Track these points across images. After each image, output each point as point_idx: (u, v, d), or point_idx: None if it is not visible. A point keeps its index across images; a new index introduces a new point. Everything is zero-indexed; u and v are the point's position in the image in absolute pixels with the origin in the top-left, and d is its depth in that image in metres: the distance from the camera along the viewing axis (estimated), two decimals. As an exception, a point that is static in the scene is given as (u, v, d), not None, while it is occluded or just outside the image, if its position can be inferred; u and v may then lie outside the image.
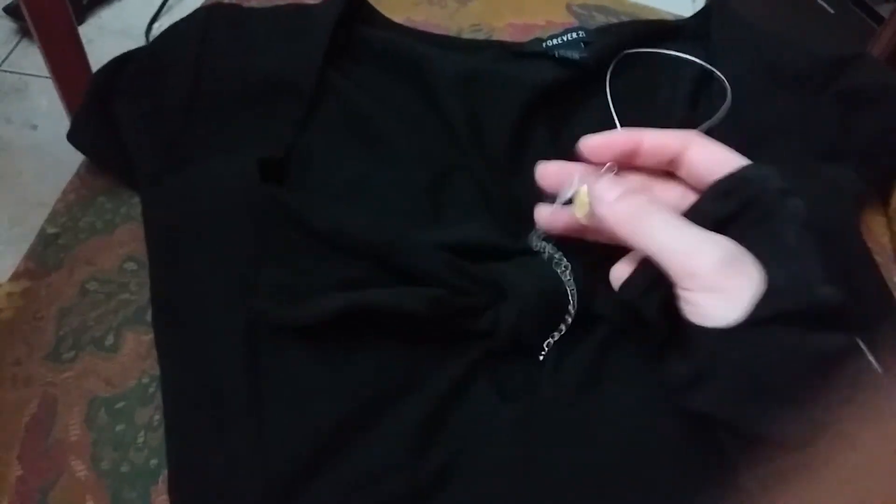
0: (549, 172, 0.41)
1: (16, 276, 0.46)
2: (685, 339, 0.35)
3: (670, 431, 0.39)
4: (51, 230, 0.48)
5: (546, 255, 0.43)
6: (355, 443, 0.38)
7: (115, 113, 0.49)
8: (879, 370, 0.33)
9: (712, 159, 0.37)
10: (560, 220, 0.41)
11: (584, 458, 0.40)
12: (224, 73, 0.51)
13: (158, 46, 0.52)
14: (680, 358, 0.35)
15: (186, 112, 0.49)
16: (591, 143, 0.39)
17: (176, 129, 0.48)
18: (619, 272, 0.40)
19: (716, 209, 0.35)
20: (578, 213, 0.39)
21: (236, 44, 0.52)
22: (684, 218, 0.35)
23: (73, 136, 0.50)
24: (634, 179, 0.40)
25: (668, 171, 0.40)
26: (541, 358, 0.42)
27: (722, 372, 0.33)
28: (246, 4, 0.57)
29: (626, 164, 0.40)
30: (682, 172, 0.39)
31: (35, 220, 1.17)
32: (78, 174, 0.51)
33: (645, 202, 0.36)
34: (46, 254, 0.47)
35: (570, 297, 0.42)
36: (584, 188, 0.39)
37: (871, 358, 0.33)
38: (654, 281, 0.37)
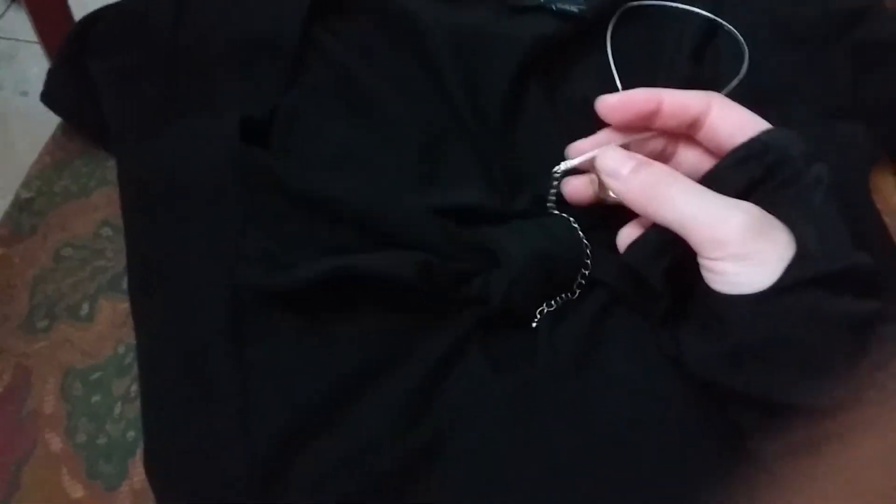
0: (580, 150, 0.40)
1: (-10, 243, 0.44)
2: (713, 319, 0.33)
3: (672, 400, 0.38)
4: (25, 195, 0.46)
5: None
6: (343, 417, 0.37)
7: (90, 72, 0.46)
8: None
9: (734, 122, 0.36)
10: (586, 193, 0.41)
11: (582, 432, 0.38)
12: (204, 29, 0.48)
13: (135, 1, 0.49)
14: (707, 339, 0.34)
15: (164, 71, 0.47)
16: (608, 103, 0.38)
17: (153, 89, 0.46)
18: (626, 236, 0.39)
19: (737, 175, 0.35)
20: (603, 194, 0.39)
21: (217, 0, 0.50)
22: (704, 187, 0.34)
23: (46, 97, 0.47)
24: (649, 145, 0.39)
25: (685, 133, 0.38)
26: (534, 325, 0.41)
27: (757, 343, 0.32)
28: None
29: (643, 125, 0.38)
30: (701, 135, 0.38)
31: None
32: (53, 137, 0.49)
33: (661, 172, 0.35)
34: (21, 219, 0.45)
35: (581, 259, 0.40)
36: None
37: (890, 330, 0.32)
38: (663, 246, 0.36)
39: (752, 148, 0.35)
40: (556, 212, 0.43)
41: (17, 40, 1.32)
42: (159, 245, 0.41)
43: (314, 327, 0.39)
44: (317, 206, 0.41)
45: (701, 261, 0.33)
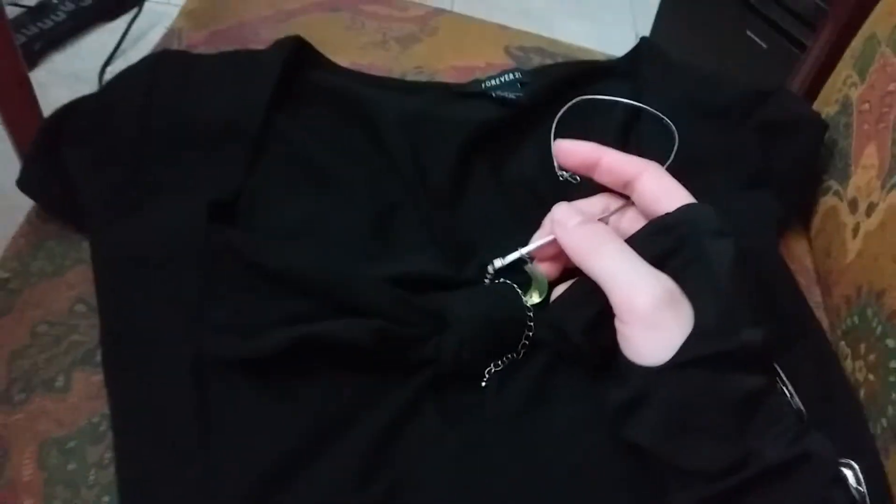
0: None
1: (-34, 322, 0.47)
2: (620, 369, 0.37)
3: (612, 453, 0.41)
4: (1, 275, 0.48)
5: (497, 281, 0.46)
6: (304, 473, 0.39)
7: (64, 158, 0.50)
8: (799, 405, 0.35)
9: (660, 191, 0.41)
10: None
11: (527, 479, 0.41)
12: (173, 117, 0.52)
13: (107, 92, 0.53)
14: (616, 385, 0.37)
15: (135, 156, 0.50)
16: (561, 146, 0.45)
17: (125, 173, 0.49)
18: (559, 293, 0.43)
19: (651, 245, 0.38)
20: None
21: (185, 88, 0.54)
22: (635, 253, 0.38)
23: (22, 183, 0.50)
24: (598, 204, 0.45)
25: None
26: (483, 384, 0.44)
27: (651, 405, 0.35)
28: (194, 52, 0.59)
29: (588, 174, 0.45)
30: (635, 198, 0.43)
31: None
32: (28, 220, 0.51)
33: (601, 230, 0.40)
34: (-3, 298, 0.47)
35: (524, 322, 0.44)
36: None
37: (788, 391, 0.35)
38: (585, 298, 0.40)
39: (666, 221, 0.39)
40: (502, 279, 0.47)
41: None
42: (129, 318, 0.44)
43: (274, 389, 0.42)
44: (276, 277, 0.44)
45: (616, 323, 0.37)
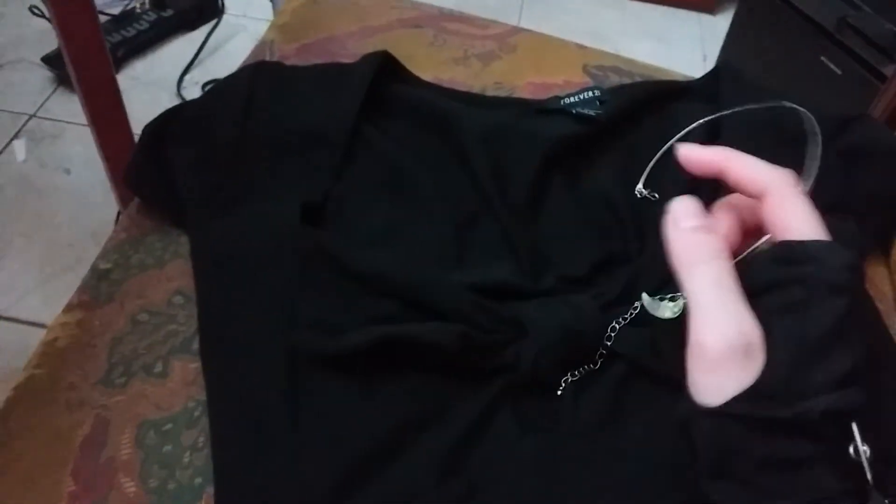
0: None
1: (69, 308, 0.50)
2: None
3: (686, 468, 0.41)
4: (103, 266, 0.51)
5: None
6: (385, 468, 0.41)
7: (167, 158, 0.53)
8: (834, 484, 0.32)
9: (788, 217, 0.35)
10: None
11: (600, 488, 0.42)
12: (267, 124, 0.55)
13: (208, 99, 0.56)
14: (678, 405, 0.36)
15: (233, 159, 0.53)
16: (684, 151, 0.39)
17: (223, 175, 0.52)
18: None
19: (764, 272, 0.34)
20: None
21: (279, 98, 0.57)
22: (731, 282, 0.34)
23: (127, 179, 0.54)
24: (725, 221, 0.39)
25: None
26: (559, 393, 0.45)
27: (692, 436, 0.34)
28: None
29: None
30: (761, 213, 0.37)
31: (65, 261, 1.22)
32: (129, 215, 0.55)
33: (709, 245, 0.35)
34: (99, 287, 0.50)
35: (602, 333, 0.45)
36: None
37: (821, 471, 0.33)
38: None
39: (791, 252, 0.34)
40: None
41: (62, 122, 1.40)
42: (226, 311, 0.46)
43: (361, 386, 0.43)
44: (365, 280, 0.46)
45: (687, 352, 0.35)
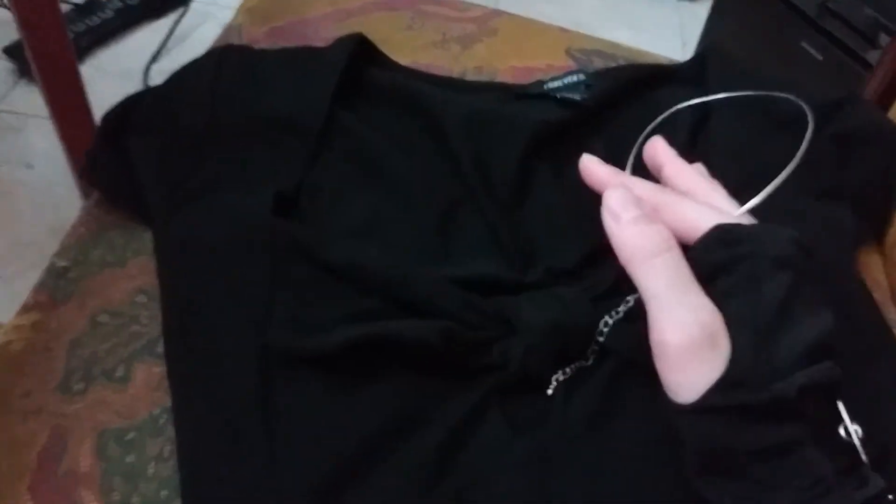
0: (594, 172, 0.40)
1: (25, 309, 0.46)
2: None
3: (679, 468, 0.40)
4: (61, 263, 0.48)
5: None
6: (368, 474, 0.38)
7: (128, 149, 0.49)
8: (857, 445, 0.32)
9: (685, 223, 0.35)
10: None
11: (594, 491, 0.40)
12: (236, 110, 0.52)
13: (171, 85, 0.53)
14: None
15: (199, 148, 0.50)
16: (586, 165, 0.40)
17: (188, 165, 0.49)
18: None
19: (710, 254, 0.34)
20: None
21: (248, 82, 0.54)
22: (683, 273, 0.33)
23: (86, 171, 0.50)
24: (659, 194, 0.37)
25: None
26: (549, 392, 0.43)
27: (679, 437, 0.33)
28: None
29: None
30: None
31: (29, 258, 1.17)
32: (88, 209, 0.51)
33: (656, 237, 0.34)
34: (57, 286, 0.47)
35: (592, 328, 0.43)
36: None
37: (848, 431, 0.32)
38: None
39: (732, 232, 0.34)
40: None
41: (24, 115, 1.35)
42: (193, 310, 0.43)
43: (340, 388, 0.41)
44: (343, 274, 0.44)
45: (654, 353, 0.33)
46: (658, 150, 0.42)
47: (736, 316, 0.32)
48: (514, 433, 0.41)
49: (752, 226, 0.34)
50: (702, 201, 0.36)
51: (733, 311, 0.32)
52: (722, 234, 0.34)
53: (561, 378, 0.43)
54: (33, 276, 1.15)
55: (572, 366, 0.43)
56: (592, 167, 0.40)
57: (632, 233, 0.34)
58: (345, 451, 0.39)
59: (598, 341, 0.43)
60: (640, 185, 0.37)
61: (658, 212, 0.35)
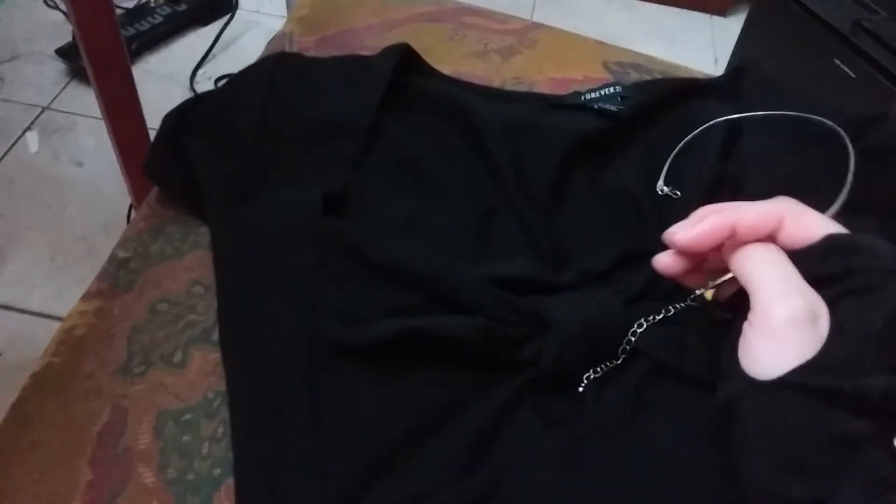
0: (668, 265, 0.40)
1: (88, 297, 0.49)
2: (726, 370, 0.37)
3: (713, 466, 0.41)
4: (122, 255, 0.51)
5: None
6: (407, 461, 0.41)
7: (186, 148, 0.52)
8: (889, 466, 0.32)
9: (810, 233, 0.36)
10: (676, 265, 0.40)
11: (625, 488, 0.42)
12: (288, 115, 0.55)
13: (228, 89, 0.56)
14: (719, 387, 0.37)
15: (253, 149, 0.53)
16: (686, 238, 0.37)
17: (243, 165, 0.52)
18: (662, 261, 0.40)
19: (820, 264, 0.35)
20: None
21: (300, 89, 0.56)
22: (794, 267, 0.35)
23: (147, 168, 0.53)
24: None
25: None
26: (581, 389, 0.45)
27: (739, 415, 0.34)
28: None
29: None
30: (779, 242, 0.38)
31: (76, 253, 1.22)
32: (148, 204, 0.54)
33: (766, 246, 0.36)
34: (118, 276, 0.50)
35: (625, 329, 0.44)
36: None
37: (877, 454, 0.32)
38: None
39: (844, 242, 0.35)
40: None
41: (74, 114, 1.40)
42: (246, 301, 0.46)
43: (383, 378, 0.43)
44: (386, 271, 0.46)
45: (744, 326, 0.35)
46: (707, 231, 0.37)
47: (843, 314, 0.33)
48: (547, 428, 0.43)
49: (862, 236, 0.35)
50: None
51: (840, 309, 0.33)
52: (835, 244, 0.35)
53: (592, 377, 0.45)
54: (80, 270, 1.20)
55: (603, 365, 0.45)
56: (699, 234, 0.37)
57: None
58: (385, 438, 0.41)
59: (629, 342, 0.45)
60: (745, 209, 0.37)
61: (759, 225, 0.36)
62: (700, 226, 0.37)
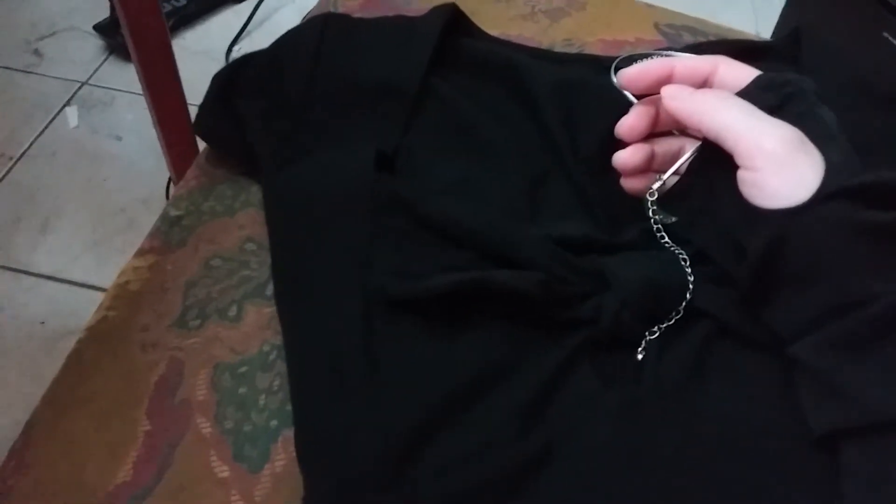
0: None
1: (140, 252, 0.49)
2: (744, 220, 0.38)
3: (772, 427, 0.40)
4: (174, 213, 0.51)
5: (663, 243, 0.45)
6: (464, 416, 0.40)
7: (237, 108, 0.52)
8: None
9: (740, 76, 0.40)
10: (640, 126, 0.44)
11: (683, 448, 0.41)
12: (337, 75, 0.54)
13: (276, 49, 0.56)
14: (746, 234, 0.38)
15: (303, 108, 0.52)
16: (628, 74, 0.43)
17: (293, 124, 0.51)
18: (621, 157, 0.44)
19: (762, 99, 0.38)
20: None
21: (348, 49, 0.56)
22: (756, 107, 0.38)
23: (197, 127, 0.53)
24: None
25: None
26: (640, 349, 0.44)
27: (791, 245, 0.35)
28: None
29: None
30: (714, 86, 0.42)
31: (116, 225, 1.23)
32: (198, 164, 0.54)
33: (720, 91, 0.40)
34: (171, 233, 0.50)
35: (686, 288, 0.43)
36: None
37: None
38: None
39: (773, 79, 0.39)
40: (667, 243, 0.46)
41: (113, 89, 1.41)
42: (300, 257, 0.46)
43: (439, 333, 0.42)
44: (440, 228, 0.45)
45: (742, 175, 0.36)
46: (648, 69, 0.43)
47: (811, 132, 0.36)
48: (605, 388, 0.42)
49: (781, 73, 0.39)
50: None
51: (806, 129, 0.36)
52: (768, 81, 0.39)
53: (650, 338, 0.44)
54: (120, 242, 1.21)
55: (662, 325, 0.44)
56: (638, 71, 0.43)
57: (701, 96, 0.39)
58: (441, 393, 0.40)
59: (689, 302, 0.44)
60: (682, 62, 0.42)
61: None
62: (643, 63, 0.42)
